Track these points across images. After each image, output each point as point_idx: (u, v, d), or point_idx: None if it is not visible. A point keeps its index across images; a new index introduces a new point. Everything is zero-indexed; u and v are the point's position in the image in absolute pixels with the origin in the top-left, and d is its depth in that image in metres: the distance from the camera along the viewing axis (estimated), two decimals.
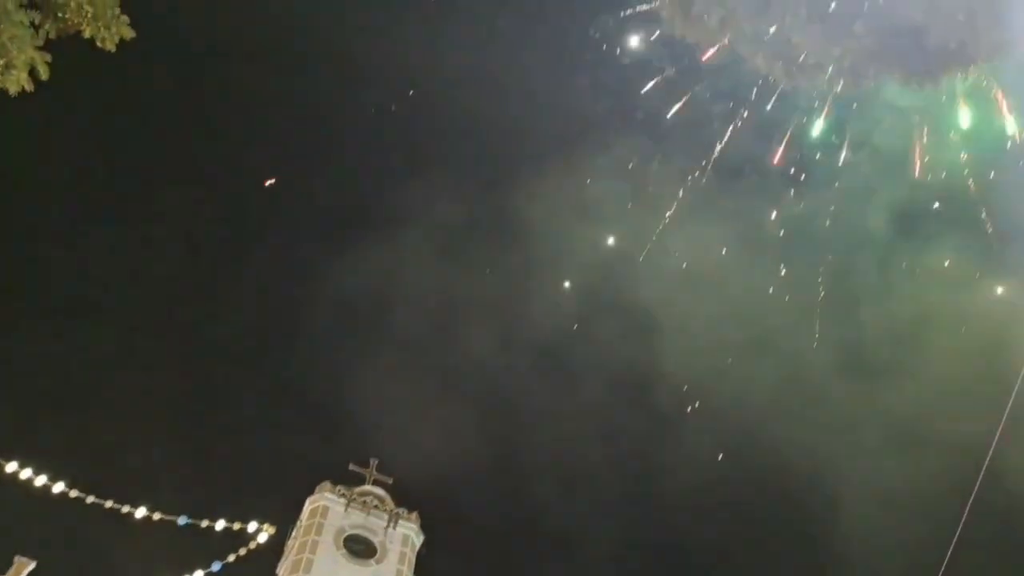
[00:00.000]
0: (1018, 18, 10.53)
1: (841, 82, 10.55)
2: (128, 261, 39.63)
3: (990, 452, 11.79)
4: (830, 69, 10.35)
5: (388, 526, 24.54)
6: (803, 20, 9.85)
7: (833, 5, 9.72)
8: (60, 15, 10.01)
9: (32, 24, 9.65)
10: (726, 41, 10.57)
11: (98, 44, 10.06)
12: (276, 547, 24.21)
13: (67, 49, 10.08)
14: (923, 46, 10.49)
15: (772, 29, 9.78)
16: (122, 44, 10.16)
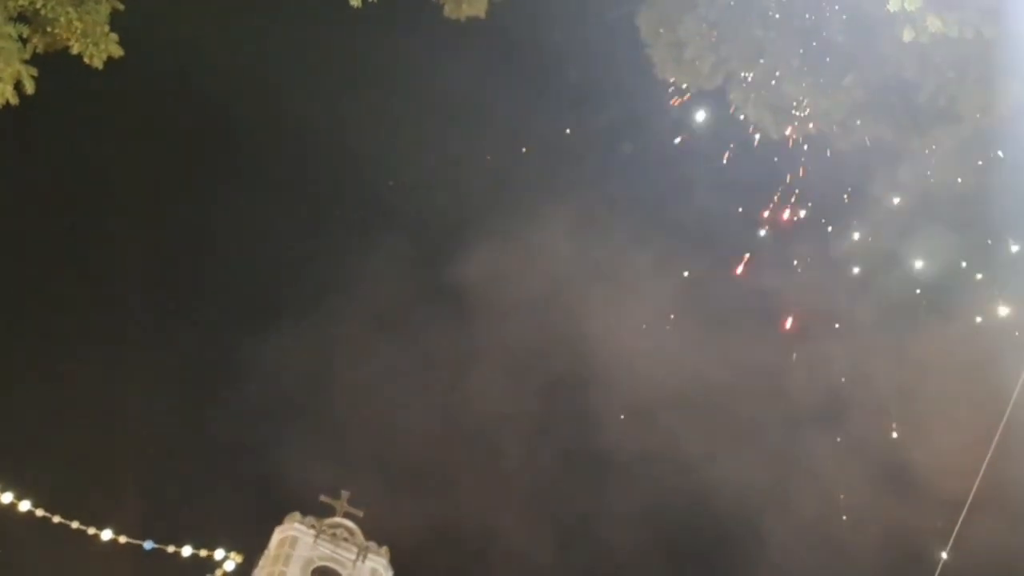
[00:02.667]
0: (1008, 77, 10.61)
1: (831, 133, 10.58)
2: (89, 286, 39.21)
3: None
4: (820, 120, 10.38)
5: (357, 559, 24.18)
6: (795, 70, 9.89)
7: (827, 58, 9.76)
8: (49, 29, 9.94)
9: (20, 37, 9.57)
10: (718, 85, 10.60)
11: (86, 61, 9.97)
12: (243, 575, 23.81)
13: (54, 65, 10.00)
14: (913, 101, 10.55)
15: (765, 78, 9.82)
16: (110, 63, 10.09)
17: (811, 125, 10.52)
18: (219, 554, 21.76)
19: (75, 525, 20.19)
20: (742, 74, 9.91)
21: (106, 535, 20.45)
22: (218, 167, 39.73)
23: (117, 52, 10.02)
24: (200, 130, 37.86)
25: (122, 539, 20.62)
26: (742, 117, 10.31)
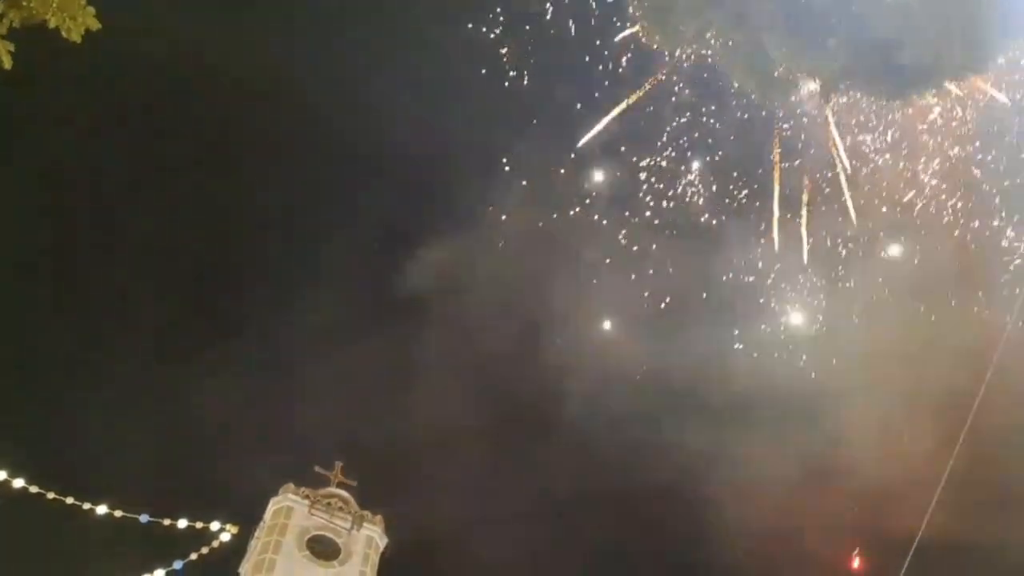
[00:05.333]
0: (990, 36, 10.61)
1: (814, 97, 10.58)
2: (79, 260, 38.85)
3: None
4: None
5: (352, 528, 24.38)
6: (779, 35, 9.86)
7: (808, 21, 9.72)
8: (25, 3, 9.77)
9: None
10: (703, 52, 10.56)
11: (63, 35, 9.82)
12: (239, 547, 23.99)
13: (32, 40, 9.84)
14: (896, 62, 10.54)
15: (749, 42, 9.79)
16: (89, 36, 9.94)
17: (795, 89, 10.53)
18: (215, 526, 21.97)
19: (70, 501, 20.29)
20: (726, 39, 9.88)
21: (101, 510, 20.57)
22: (184, 161, 39.26)
23: (95, 25, 9.85)
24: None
25: (117, 513, 20.75)
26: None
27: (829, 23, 10.35)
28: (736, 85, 9.94)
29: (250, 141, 38.74)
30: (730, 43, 9.81)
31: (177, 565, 21.06)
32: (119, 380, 35.66)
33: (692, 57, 9.88)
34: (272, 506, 24.68)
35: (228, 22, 33.11)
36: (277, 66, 34.82)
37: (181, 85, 35.06)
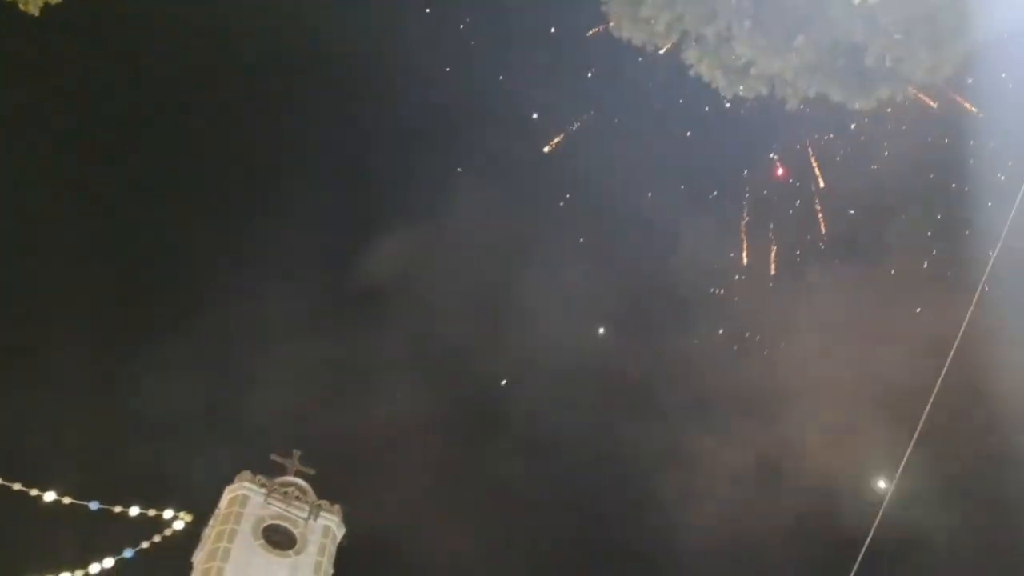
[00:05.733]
0: (953, 39, 10.83)
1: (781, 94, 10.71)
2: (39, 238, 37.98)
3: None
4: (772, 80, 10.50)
5: (309, 517, 24.21)
6: (747, 30, 9.97)
7: (779, 20, 9.85)
8: None
9: None
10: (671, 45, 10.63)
11: (20, 7, 9.56)
12: (193, 536, 23.68)
13: None
14: (861, 63, 10.72)
15: (718, 37, 9.88)
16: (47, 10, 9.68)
17: (762, 85, 10.65)
18: (168, 514, 21.62)
19: (16, 487, 19.82)
20: (696, 33, 9.96)
21: (49, 497, 20.13)
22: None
23: None
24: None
25: (66, 500, 20.30)
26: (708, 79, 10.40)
27: (798, 21, 10.48)
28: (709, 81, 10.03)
29: (203, 124, 38.20)
30: (699, 37, 9.90)
31: (128, 553, 20.68)
32: (67, 368, 34.97)
33: (664, 51, 9.96)
34: (227, 494, 24.39)
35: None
36: (224, 45, 34.33)
37: (121, 69, 34.40)
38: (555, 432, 37.78)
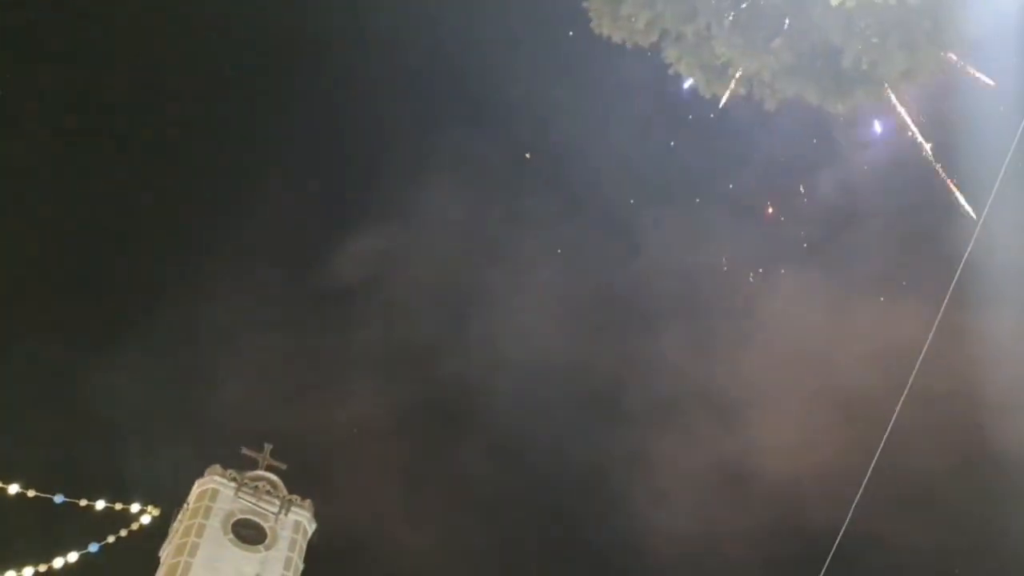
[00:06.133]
0: (928, 44, 10.97)
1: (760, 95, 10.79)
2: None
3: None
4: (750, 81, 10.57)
5: (280, 512, 24.02)
6: (726, 30, 10.02)
7: (758, 21, 9.92)
8: None
9: None
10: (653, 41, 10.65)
11: None
12: (160, 530, 23.41)
13: None
14: (838, 65, 10.83)
15: (698, 37, 9.93)
16: None
17: (740, 85, 10.71)
18: (135, 507, 21.34)
19: None
20: (677, 32, 10.00)
21: (13, 489, 19.80)
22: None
23: None
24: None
25: (30, 493, 19.98)
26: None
27: (775, 24, 10.56)
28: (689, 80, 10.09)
29: (167, 122, 37.73)
30: (679, 36, 9.94)
31: (93, 548, 20.42)
32: (32, 361, 34.42)
33: (642, 47, 9.98)
34: (197, 487, 24.15)
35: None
36: (189, 44, 33.96)
37: (83, 64, 33.82)
38: (521, 432, 37.85)
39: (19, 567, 19.33)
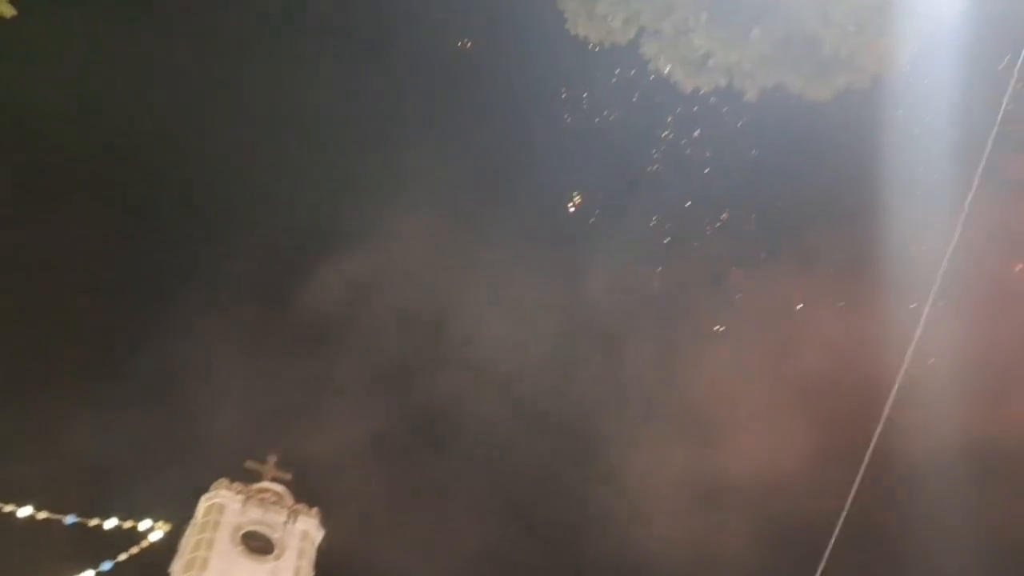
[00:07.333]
0: (904, 30, 11.08)
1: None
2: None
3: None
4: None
5: (287, 522, 24.13)
6: (704, 23, 10.13)
7: (735, 13, 10.03)
8: None
9: None
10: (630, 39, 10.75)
11: None
12: (171, 545, 23.53)
13: None
14: (816, 55, 10.94)
15: (676, 31, 10.03)
16: None
17: (721, 76, 10.81)
18: (145, 525, 21.48)
19: None
20: (654, 28, 10.10)
21: (25, 512, 19.91)
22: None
23: (9, 12, 9.53)
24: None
25: (42, 515, 20.11)
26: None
27: (752, 15, 10.66)
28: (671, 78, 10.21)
29: (144, 157, 37.61)
30: (657, 31, 10.05)
31: (106, 566, 20.58)
32: (41, 383, 34.53)
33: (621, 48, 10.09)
34: (204, 502, 24.24)
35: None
36: (161, 66, 33.86)
37: (46, 98, 33.53)
38: (505, 447, 37.81)
39: None
